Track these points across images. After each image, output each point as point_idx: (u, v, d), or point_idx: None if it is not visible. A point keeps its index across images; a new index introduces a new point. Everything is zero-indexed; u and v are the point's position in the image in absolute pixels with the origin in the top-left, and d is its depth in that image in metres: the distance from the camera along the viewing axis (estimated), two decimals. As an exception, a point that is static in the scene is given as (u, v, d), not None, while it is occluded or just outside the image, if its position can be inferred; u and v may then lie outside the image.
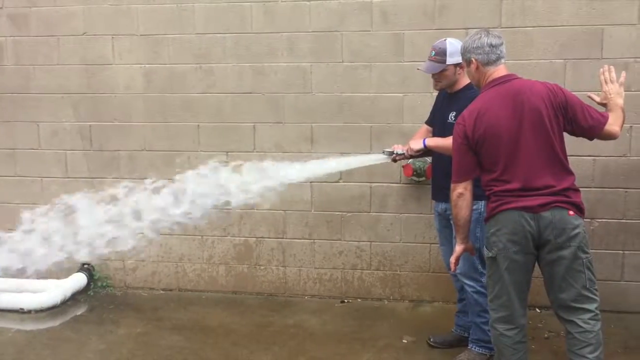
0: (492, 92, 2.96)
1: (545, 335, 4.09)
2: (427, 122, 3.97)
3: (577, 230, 2.83)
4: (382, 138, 4.55)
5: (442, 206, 3.77)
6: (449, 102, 3.70)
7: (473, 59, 3.03)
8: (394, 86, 4.51)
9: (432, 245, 4.60)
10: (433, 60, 3.61)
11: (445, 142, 3.56)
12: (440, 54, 3.58)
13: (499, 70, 3.00)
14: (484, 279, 3.66)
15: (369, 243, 4.72)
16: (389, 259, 4.71)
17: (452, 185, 3.07)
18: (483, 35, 3.03)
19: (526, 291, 2.98)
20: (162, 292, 5.02)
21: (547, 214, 2.82)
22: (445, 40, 3.62)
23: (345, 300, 4.77)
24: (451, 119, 3.63)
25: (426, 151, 3.66)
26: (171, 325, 4.38)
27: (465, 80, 3.66)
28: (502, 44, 3.01)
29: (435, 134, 3.80)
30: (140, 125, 4.89)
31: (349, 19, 4.50)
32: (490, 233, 2.98)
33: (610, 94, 3.04)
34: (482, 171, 3.00)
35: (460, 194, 3.03)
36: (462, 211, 3.07)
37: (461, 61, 3.59)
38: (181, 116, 4.83)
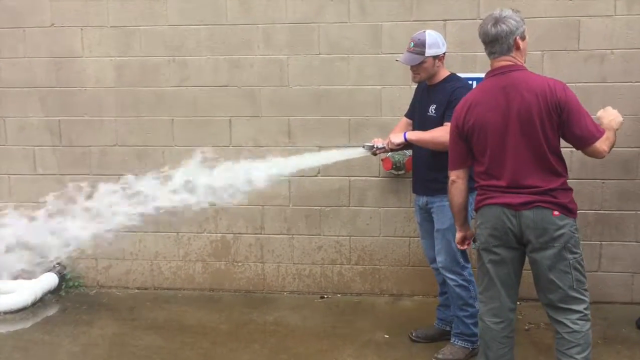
0: (488, 83, 2.87)
1: (526, 327, 4.10)
2: (407, 115, 3.93)
3: (561, 231, 2.74)
4: (361, 131, 4.50)
5: (423, 199, 3.73)
6: (429, 94, 3.66)
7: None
8: (372, 78, 4.46)
9: (412, 238, 4.57)
10: (412, 52, 3.57)
11: (427, 136, 3.53)
12: (419, 46, 3.53)
13: (499, 62, 2.84)
14: (465, 272, 3.66)
15: (348, 237, 4.67)
16: (369, 254, 4.67)
17: (448, 172, 3.06)
18: (483, 23, 2.87)
19: (514, 286, 2.93)
20: (136, 291, 4.90)
21: (528, 213, 2.75)
22: (424, 32, 3.58)
23: (325, 296, 4.72)
24: (431, 112, 3.60)
25: (407, 144, 3.62)
26: (147, 325, 4.27)
27: (444, 72, 3.63)
28: (493, 41, 2.80)
29: (415, 127, 3.76)
30: (112, 120, 4.75)
31: (326, 10, 4.43)
32: (476, 225, 2.98)
33: (604, 119, 2.88)
34: (474, 161, 2.95)
35: (453, 182, 3.02)
36: (455, 198, 3.05)
37: (440, 53, 3.58)
38: (154, 110, 4.70)
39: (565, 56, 4.24)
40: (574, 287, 2.77)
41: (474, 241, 2.98)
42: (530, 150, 2.74)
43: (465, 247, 3.21)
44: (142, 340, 4.02)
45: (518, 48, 2.81)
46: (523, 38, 2.82)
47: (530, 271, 2.90)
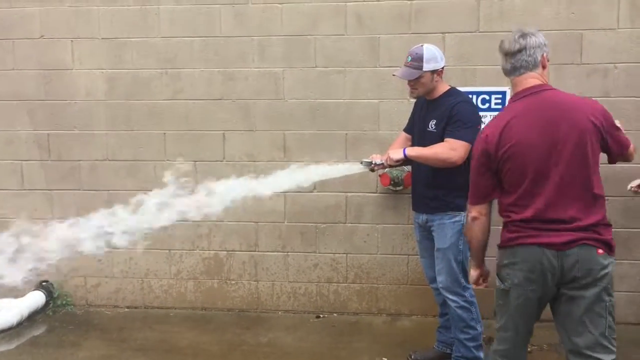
0: (521, 105, 2.56)
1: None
2: (406, 130, 3.82)
3: (605, 271, 2.49)
4: (358, 146, 4.38)
5: (422, 217, 3.61)
6: (429, 109, 3.55)
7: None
8: (370, 92, 4.35)
9: (411, 256, 4.45)
10: (409, 66, 3.46)
11: (427, 152, 3.42)
12: (417, 60, 3.42)
13: (526, 80, 2.58)
14: (467, 294, 3.53)
15: (344, 255, 4.54)
16: (366, 272, 4.54)
17: (468, 207, 2.76)
18: (505, 40, 2.62)
19: (533, 324, 2.68)
20: (126, 310, 4.75)
21: (572, 252, 2.47)
22: (422, 45, 3.47)
23: (321, 315, 4.57)
24: (431, 127, 3.49)
25: (406, 160, 3.50)
26: (137, 346, 4.12)
27: (444, 87, 3.52)
28: (521, 50, 2.56)
29: (414, 142, 3.65)
30: (103, 133, 4.62)
31: (323, 23, 4.33)
32: (503, 264, 2.63)
33: None
34: (501, 193, 2.63)
35: (475, 218, 2.69)
36: (476, 237, 2.73)
37: (438, 67, 3.47)
38: (146, 124, 4.58)
39: (568, 70, 4.14)
40: (606, 334, 2.51)
41: (503, 280, 2.63)
42: (576, 178, 2.49)
43: (481, 286, 2.93)
44: (131, 362, 3.88)
45: (544, 66, 2.61)
46: (548, 59, 2.64)
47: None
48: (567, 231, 2.47)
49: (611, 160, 2.67)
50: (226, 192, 3.57)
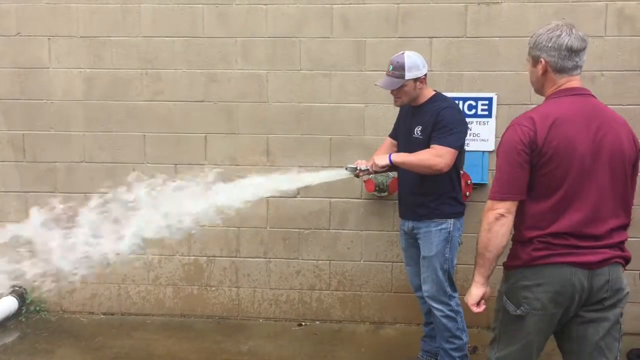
0: (567, 102, 2.33)
1: None
2: (391, 136, 3.75)
3: (627, 290, 2.35)
4: (342, 151, 4.31)
5: (408, 224, 3.55)
6: (414, 115, 3.49)
7: (542, 60, 2.36)
8: (355, 96, 4.28)
9: (395, 264, 4.38)
10: (391, 76, 3.38)
11: (413, 158, 3.34)
12: (399, 69, 3.35)
13: (574, 81, 2.37)
14: (453, 303, 3.47)
15: (328, 262, 4.45)
16: (349, 279, 4.46)
17: (489, 204, 2.34)
18: (564, 33, 2.33)
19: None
20: (102, 316, 4.61)
21: (604, 271, 2.28)
22: (403, 53, 3.40)
23: (303, 323, 4.48)
24: (417, 133, 3.42)
25: (391, 167, 3.43)
26: (113, 354, 4.00)
27: (429, 92, 3.46)
28: (584, 49, 2.35)
29: (400, 148, 3.58)
30: (80, 134, 4.48)
31: (308, 25, 4.25)
32: (521, 285, 2.33)
33: None
34: (529, 199, 2.31)
35: (500, 216, 2.30)
36: (498, 240, 2.31)
37: (421, 75, 3.39)
38: (125, 125, 4.45)
39: None
40: (618, 358, 2.35)
41: (518, 305, 2.33)
42: (616, 190, 2.31)
43: (480, 309, 2.48)
44: (107, 372, 3.76)
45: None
46: None
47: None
48: (600, 248, 2.28)
49: None
50: (210, 198, 3.47)
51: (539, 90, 2.48)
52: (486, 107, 4.18)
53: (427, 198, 3.42)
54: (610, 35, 4.06)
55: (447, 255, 3.41)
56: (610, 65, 4.07)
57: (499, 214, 2.30)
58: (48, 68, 4.44)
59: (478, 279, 2.43)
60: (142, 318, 4.56)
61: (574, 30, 2.34)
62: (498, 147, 2.40)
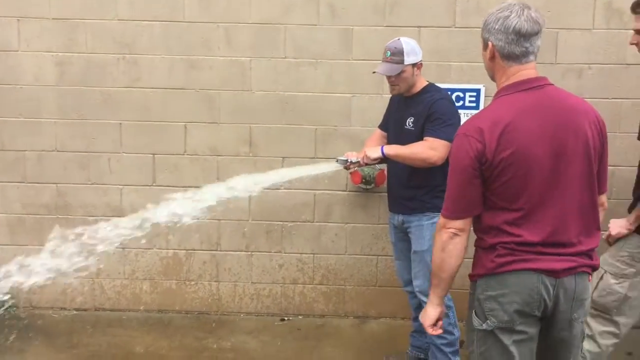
0: (519, 100, 2.10)
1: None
2: (381, 127, 3.66)
3: (589, 300, 2.22)
4: (328, 142, 4.20)
5: (398, 218, 3.46)
6: (406, 106, 3.40)
7: (490, 43, 2.14)
8: (342, 86, 4.17)
9: (380, 257, 4.31)
10: (389, 62, 3.29)
11: (406, 151, 3.26)
12: (397, 54, 3.26)
13: (528, 71, 2.13)
14: (445, 297, 3.40)
15: (311, 255, 4.35)
16: (333, 273, 4.36)
17: (441, 221, 2.19)
18: (513, 14, 2.07)
19: None
20: (75, 312, 4.41)
21: (570, 281, 2.12)
22: (399, 39, 3.31)
23: (286, 318, 4.38)
24: (409, 124, 3.34)
25: (383, 159, 3.34)
26: (88, 352, 3.83)
27: (422, 82, 3.38)
28: (537, 33, 2.09)
29: (390, 140, 3.49)
30: (52, 122, 4.26)
31: (294, 11, 4.11)
32: (486, 296, 2.16)
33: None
34: (487, 209, 2.14)
35: (453, 236, 2.15)
36: (452, 259, 2.17)
37: (418, 60, 3.31)
38: (100, 113, 4.24)
39: (542, 69, 3.91)
40: None
41: (484, 319, 2.15)
42: (583, 192, 2.12)
43: (437, 331, 2.37)
44: (84, 372, 3.59)
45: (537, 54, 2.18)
46: None
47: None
48: (568, 255, 2.11)
49: None
50: (194, 197, 3.30)
51: (492, 77, 2.25)
52: (474, 99, 4.13)
53: (418, 191, 3.35)
54: (599, 28, 4.03)
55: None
56: (598, 58, 4.06)
57: (452, 233, 2.15)
58: (17, 51, 4.19)
59: (433, 299, 2.30)
60: (118, 314, 4.39)
61: (525, 11, 2.07)
62: (449, 156, 2.23)
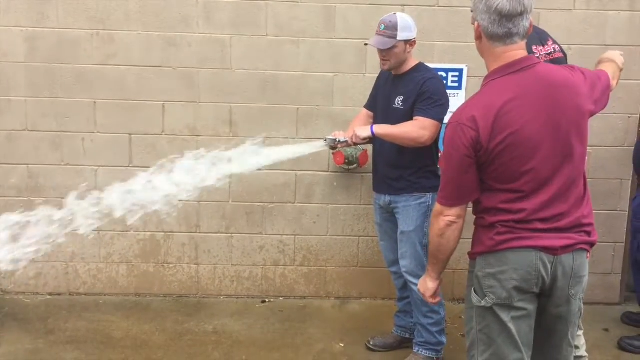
0: (511, 82, 2.10)
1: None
2: (367, 106, 3.63)
3: (586, 277, 2.24)
4: (310, 122, 4.15)
5: (385, 199, 3.45)
6: (395, 84, 3.37)
7: (476, 23, 2.14)
8: (324, 65, 4.11)
9: (361, 238, 4.30)
10: (382, 35, 3.25)
11: (396, 131, 3.23)
12: (391, 29, 3.22)
13: (515, 52, 2.11)
14: (432, 278, 3.42)
15: (293, 237, 4.31)
16: (315, 254, 4.34)
17: (438, 208, 2.24)
18: None
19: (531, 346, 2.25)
20: (48, 297, 4.28)
21: (568, 258, 2.14)
22: (395, 14, 3.29)
23: (267, 300, 4.34)
24: (398, 103, 3.31)
25: (372, 138, 3.30)
26: (66, 338, 3.71)
27: (413, 61, 3.36)
28: (521, 14, 2.05)
29: (377, 119, 3.46)
30: (22, 100, 4.08)
31: (276, -13, 4.02)
32: (485, 273, 2.18)
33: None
34: (484, 191, 2.18)
35: (451, 223, 2.20)
36: (450, 244, 2.24)
37: (412, 38, 3.28)
38: (73, 91, 4.09)
39: None
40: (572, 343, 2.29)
41: (483, 296, 2.18)
42: (577, 171, 2.15)
43: (436, 300, 2.47)
44: (64, 357, 3.47)
45: (526, 35, 2.13)
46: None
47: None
48: (566, 232, 2.14)
49: None
50: (176, 176, 3.17)
51: (482, 57, 2.23)
52: (457, 79, 4.13)
53: (405, 171, 3.34)
54: (579, 8, 4.08)
55: (426, 229, 3.34)
56: (578, 40, 4.10)
57: (449, 221, 2.21)
58: (-17, 25, 4.00)
59: (432, 274, 2.40)
60: (94, 298, 4.27)
61: None
62: (443, 143, 2.22)
